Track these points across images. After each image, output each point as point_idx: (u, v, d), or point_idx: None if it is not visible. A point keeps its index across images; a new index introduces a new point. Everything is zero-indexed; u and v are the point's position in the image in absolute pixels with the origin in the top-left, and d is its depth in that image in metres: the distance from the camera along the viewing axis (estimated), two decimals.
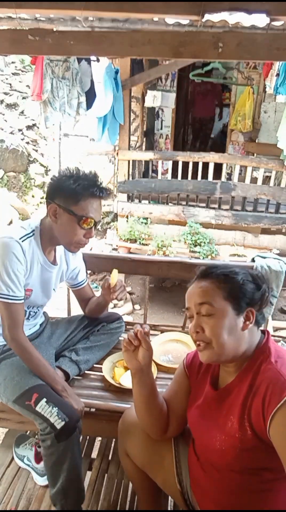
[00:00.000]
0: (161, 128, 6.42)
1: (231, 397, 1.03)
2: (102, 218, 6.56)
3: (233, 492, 1.03)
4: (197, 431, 1.13)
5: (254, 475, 1.00)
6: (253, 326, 1.04)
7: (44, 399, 1.35)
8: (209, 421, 1.07)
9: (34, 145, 7.14)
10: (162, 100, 5.75)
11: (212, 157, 4.93)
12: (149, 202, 5.19)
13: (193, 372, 1.19)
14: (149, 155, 5.20)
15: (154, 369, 1.68)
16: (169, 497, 1.55)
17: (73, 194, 1.40)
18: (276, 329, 4.19)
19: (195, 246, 4.81)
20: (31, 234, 1.48)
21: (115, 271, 1.63)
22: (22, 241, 1.43)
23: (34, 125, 7.20)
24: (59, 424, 1.31)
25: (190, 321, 1.08)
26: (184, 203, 5.06)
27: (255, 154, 5.85)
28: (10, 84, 7.34)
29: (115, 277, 1.62)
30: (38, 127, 7.18)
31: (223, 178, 5.04)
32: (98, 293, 1.83)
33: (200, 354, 1.06)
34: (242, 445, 0.97)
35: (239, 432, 0.97)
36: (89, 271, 2.02)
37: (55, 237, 1.50)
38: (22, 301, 1.45)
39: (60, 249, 1.63)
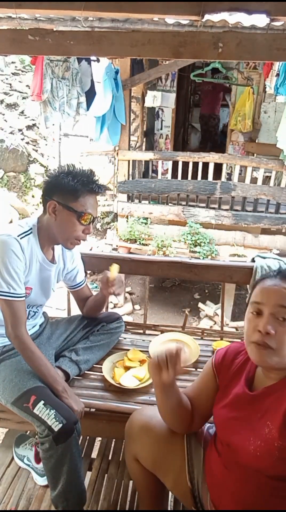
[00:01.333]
0: (161, 128, 6.42)
1: (268, 401, 1.00)
2: (102, 218, 6.57)
3: (256, 492, 1.00)
4: (225, 431, 1.09)
5: (285, 482, 0.97)
6: None
7: (42, 402, 1.35)
8: (242, 423, 1.04)
9: (34, 145, 7.15)
10: (162, 100, 5.76)
11: (212, 157, 4.93)
12: (149, 202, 5.20)
13: (223, 370, 1.16)
14: (149, 155, 5.20)
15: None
16: (169, 500, 1.55)
17: (72, 190, 1.43)
18: None
19: (195, 246, 4.81)
20: (29, 231, 1.49)
21: (115, 266, 1.63)
22: (21, 239, 1.43)
23: (34, 125, 7.20)
24: (56, 427, 1.31)
25: (253, 316, 1.01)
26: (184, 203, 5.07)
27: (255, 154, 5.85)
28: (10, 84, 7.34)
29: (115, 270, 1.62)
30: (38, 127, 7.19)
31: (223, 178, 5.04)
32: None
33: (258, 355, 0.98)
34: (280, 455, 0.93)
35: (278, 441, 0.94)
36: (89, 271, 2.02)
37: (52, 235, 1.51)
38: (23, 298, 1.45)
39: (58, 248, 1.63)
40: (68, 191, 1.43)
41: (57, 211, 1.45)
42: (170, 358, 1.05)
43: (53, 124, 4.83)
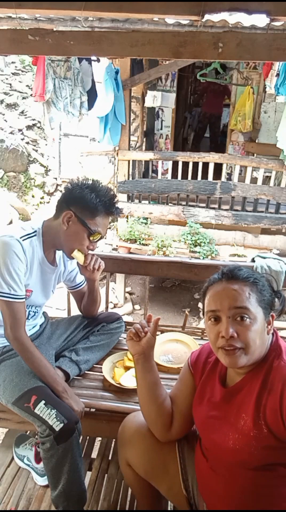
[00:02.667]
0: (161, 128, 6.42)
1: (241, 394, 1.02)
2: None
3: (245, 489, 1.02)
4: (205, 430, 1.11)
5: (268, 470, 0.98)
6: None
7: (43, 401, 1.35)
8: (219, 420, 1.06)
9: (34, 145, 7.14)
10: (162, 100, 5.76)
11: (212, 157, 4.93)
12: (149, 202, 5.20)
13: (198, 371, 1.18)
14: (149, 155, 5.20)
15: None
16: (169, 502, 1.55)
17: (92, 208, 1.44)
18: (276, 329, 4.19)
19: (195, 246, 4.81)
20: (33, 234, 1.49)
21: (76, 253, 1.53)
22: (23, 240, 1.43)
23: (34, 125, 7.20)
24: (57, 426, 1.31)
25: (212, 324, 1.03)
26: (184, 203, 5.07)
27: (255, 154, 5.85)
28: (10, 84, 7.33)
29: (80, 256, 1.54)
30: (39, 127, 7.18)
31: (223, 178, 5.04)
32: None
33: (228, 359, 1.00)
34: (257, 443, 0.96)
35: (254, 431, 0.96)
36: None
37: (57, 240, 1.51)
38: (23, 299, 1.45)
39: (59, 251, 1.63)
40: (88, 207, 1.44)
41: (71, 221, 1.46)
42: (143, 324, 1.19)
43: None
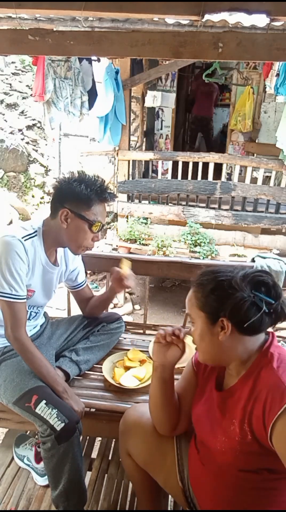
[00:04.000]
0: (161, 128, 6.42)
1: (233, 399, 1.04)
2: None
3: (231, 487, 1.04)
4: (199, 429, 1.14)
5: (254, 474, 1.00)
6: (240, 334, 1.00)
7: (44, 401, 1.35)
8: (212, 421, 1.08)
9: (34, 145, 7.14)
10: (162, 100, 5.75)
11: (212, 157, 4.93)
12: (149, 202, 5.19)
13: (201, 369, 1.20)
14: (149, 155, 5.20)
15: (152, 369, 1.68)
16: (169, 497, 1.56)
17: (85, 199, 1.44)
18: (276, 329, 4.20)
19: (195, 246, 4.81)
20: (34, 234, 1.48)
21: (127, 261, 1.59)
22: (25, 241, 1.43)
23: (34, 125, 7.20)
24: (58, 426, 1.31)
25: None
26: (184, 203, 5.06)
27: (255, 154, 5.85)
28: (10, 84, 7.34)
29: (126, 266, 1.60)
30: (38, 127, 7.19)
31: (223, 178, 5.04)
32: (97, 294, 1.83)
33: None
34: (241, 448, 0.97)
35: (239, 436, 0.98)
36: (88, 271, 2.03)
37: (60, 239, 1.51)
38: (25, 300, 1.45)
39: (60, 250, 1.63)
40: (81, 200, 1.43)
41: (69, 218, 1.45)
42: (177, 331, 1.15)
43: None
